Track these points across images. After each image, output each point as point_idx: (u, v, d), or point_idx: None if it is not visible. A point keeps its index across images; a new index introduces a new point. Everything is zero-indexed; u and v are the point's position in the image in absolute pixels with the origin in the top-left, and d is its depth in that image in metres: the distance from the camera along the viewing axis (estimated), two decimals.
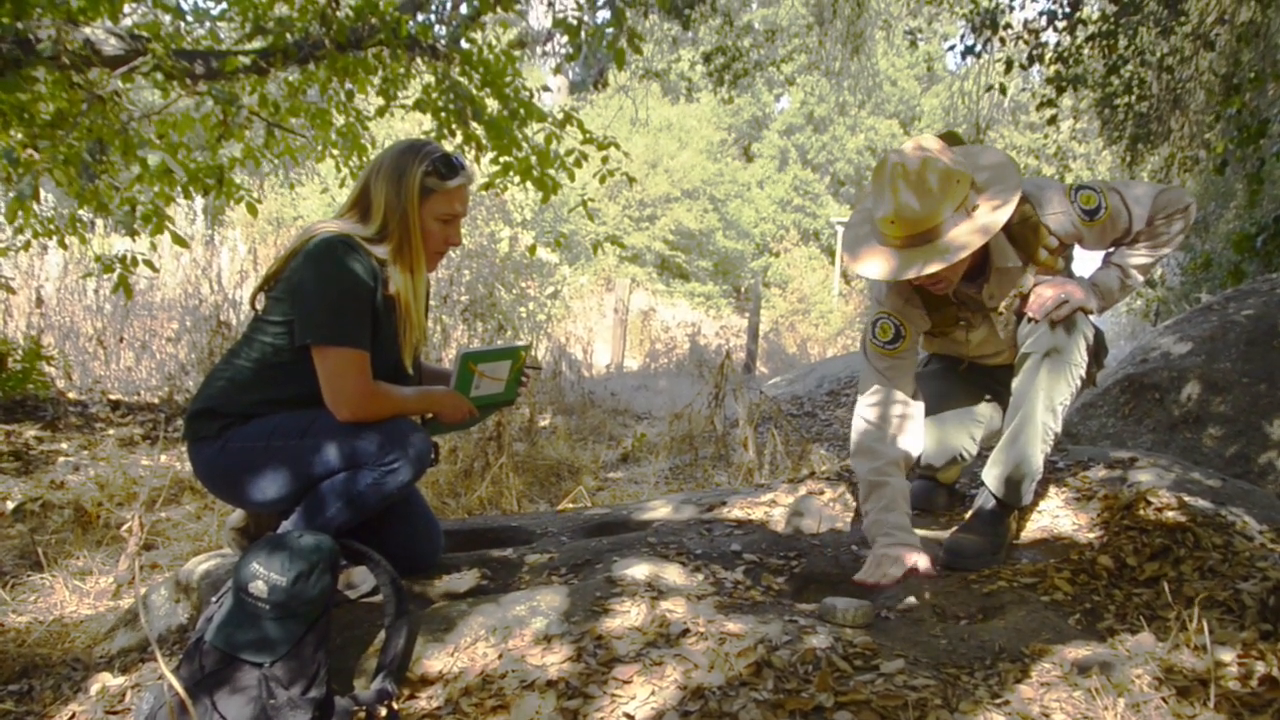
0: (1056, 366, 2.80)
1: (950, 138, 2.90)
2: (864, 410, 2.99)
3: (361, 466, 2.51)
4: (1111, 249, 3.01)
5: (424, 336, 2.83)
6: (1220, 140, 8.48)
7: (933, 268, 2.65)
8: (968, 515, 3.05)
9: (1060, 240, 2.88)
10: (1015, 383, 2.89)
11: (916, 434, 2.97)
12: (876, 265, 2.74)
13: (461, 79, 7.04)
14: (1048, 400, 2.82)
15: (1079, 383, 2.87)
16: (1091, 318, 3.07)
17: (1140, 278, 2.95)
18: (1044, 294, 2.81)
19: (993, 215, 2.67)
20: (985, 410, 3.19)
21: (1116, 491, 3.20)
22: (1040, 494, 3.32)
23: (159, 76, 5.71)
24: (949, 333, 3.16)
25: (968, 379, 3.25)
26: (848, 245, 2.89)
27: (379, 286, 2.60)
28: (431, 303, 2.87)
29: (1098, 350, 3.11)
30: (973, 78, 12.97)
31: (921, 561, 2.56)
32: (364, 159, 7.56)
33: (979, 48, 9.81)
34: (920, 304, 3.05)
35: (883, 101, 37.81)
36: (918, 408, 3.00)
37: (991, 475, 2.95)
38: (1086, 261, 3.15)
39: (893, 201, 2.65)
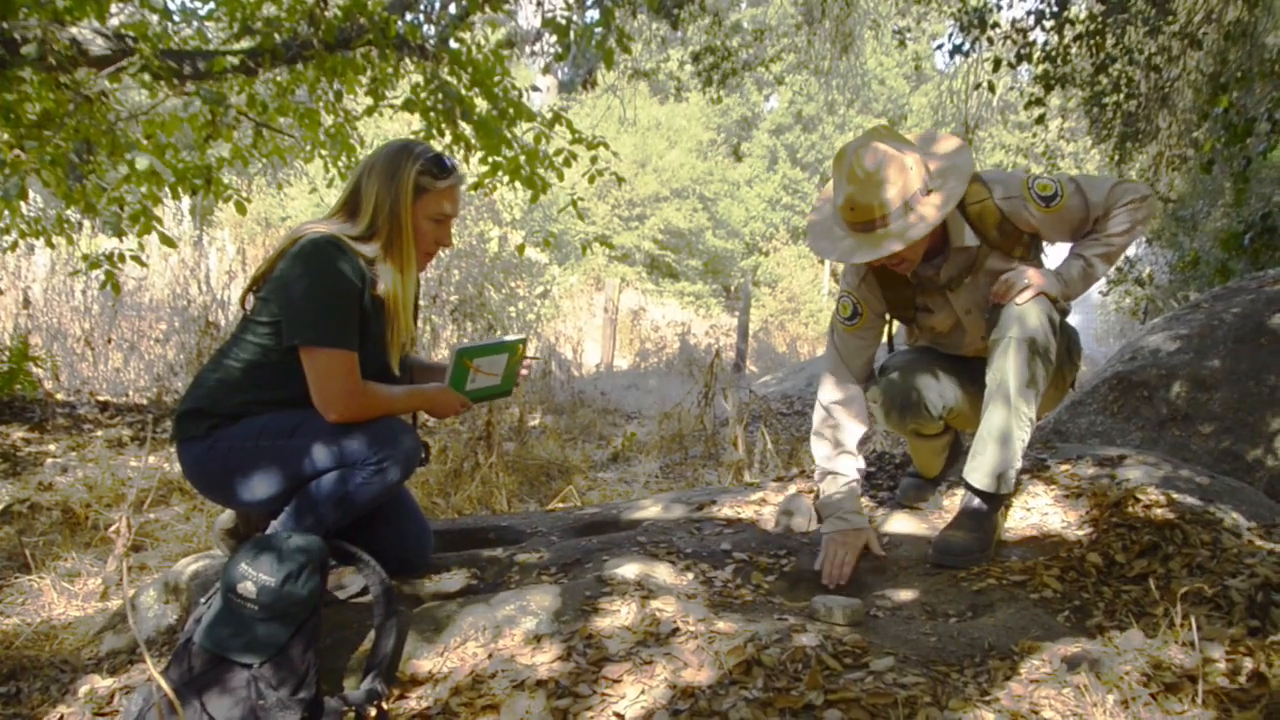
0: (1024, 350, 2.82)
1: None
2: (823, 394, 3.22)
3: (351, 466, 2.51)
4: (1075, 242, 3.04)
5: (411, 337, 2.83)
6: (1208, 139, 8.50)
7: (884, 251, 2.80)
8: (955, 514, 3.06)
9: (1014, 224, 2.96)
10: (988, 372, 2.91)
11: (867, 414, 3.20)
12: (833, 248, 2.93)
13: (450, 79, 7.02)
14: (1019, 385, 2.84)
15: (1051, 364, 2.88)
16: (1072, 319, 3.11)
17: (1103, 266, 2.96)
18: (1006, 279, 2.91)
19: (939, 202, 2.80)
20: (954, 385, 3.19)
21: (1105, 489, 3.20)
22: (1029, 492, 3.32)
23: (146, 77, 5.69)
24: (908, 316, 3.23)
25: (949, 360, 3.25)
26: (810, 230, 3.05)
27: (367, 286, 2.60)
28: (421, 303, 2.88)
29: (1070, 349, 3.13)
30: (961, 76, 13.01)
31: (871, 543, 3.00)
32: (352, 159, 7.54)
33: (967, 47, 9.82)
34: (876, 285, 3.17)
35: (871, 100, 37.83)
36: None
37: (972, 468, 2.96)
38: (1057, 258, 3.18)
39: (848, 189, 2.80)
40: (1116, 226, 2.91)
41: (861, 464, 3.17)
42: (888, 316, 3.29)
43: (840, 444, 3.15)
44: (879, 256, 2.81)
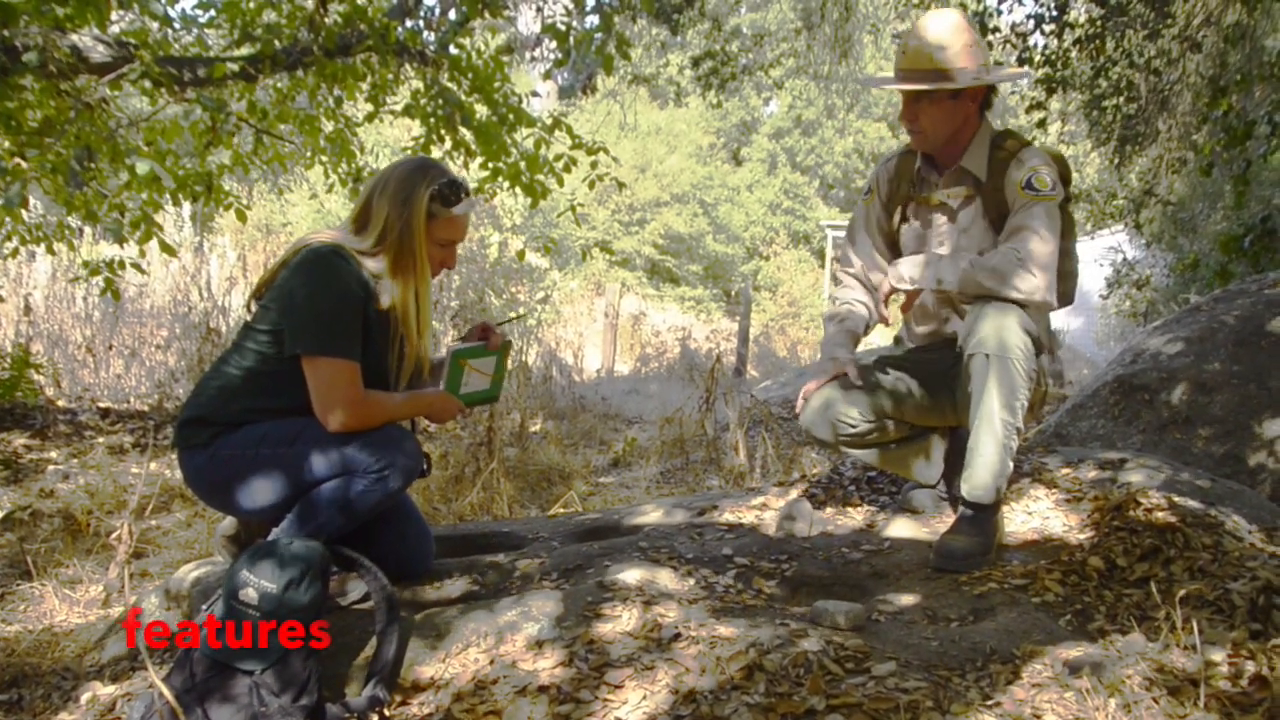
0: (1002, 364, 2.82)
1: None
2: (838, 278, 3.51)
3: (352, 473, 2.51)
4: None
5: (425, 359, 2.82)
6: (1207, 142, 8.52)
7: (906, 84, 3.01)
8: (955, 518, 3.06)
9: (1006, 190, 3.06)
10: (970, 386, 2.91)
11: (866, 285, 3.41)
12: (877, 79, 3.16)
13: (450, 85, 7.04)
14: (1001, 398, 2.83)
15: (1030, 374, 2.87)
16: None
17: (954, 281, 2.97)
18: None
19: (974, 82, 2.98)
20: (883, 400, 3.21)
21: (1107, 492, 3.20)
22: (1030, 495, 3.33)
23: (147, 84, 5.70)
24: (899, 223, 3.32)
25: (930, 376, 3.25)
26: (866, 77, 3.27)
27: (370, 298, 2.60)
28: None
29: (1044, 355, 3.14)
30: None
31: (839, 368, 3.18)
32: (353, 165, 7.55)
33: None
34: (893, 172, 3.31)
35: (870, 105, 37.87)
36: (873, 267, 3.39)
37: (963, 481, 2.96)
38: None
39: (914, 34, 3.03)
40: (990, 265, 2.91)
41: (859, 309, 3.37)
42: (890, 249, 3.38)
43: (838, 299, 3.43)
44: (899, 85, 3.01)
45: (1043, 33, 9.57)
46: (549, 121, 7.14)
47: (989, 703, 2.09)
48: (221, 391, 2.61)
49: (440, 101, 6.92)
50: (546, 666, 2.34)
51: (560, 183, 7.23)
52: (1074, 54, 9.62)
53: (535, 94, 7.87)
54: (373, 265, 2.63)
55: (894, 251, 3.35)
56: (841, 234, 20.51)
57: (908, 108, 3.08)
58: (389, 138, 18.49)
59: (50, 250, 6.68)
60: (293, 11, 6.50)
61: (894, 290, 3.13)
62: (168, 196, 5.95)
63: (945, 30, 2.97)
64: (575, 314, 18.30)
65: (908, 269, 3.05)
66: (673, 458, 6.59)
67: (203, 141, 6.33)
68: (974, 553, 2.89)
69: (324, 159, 7.50)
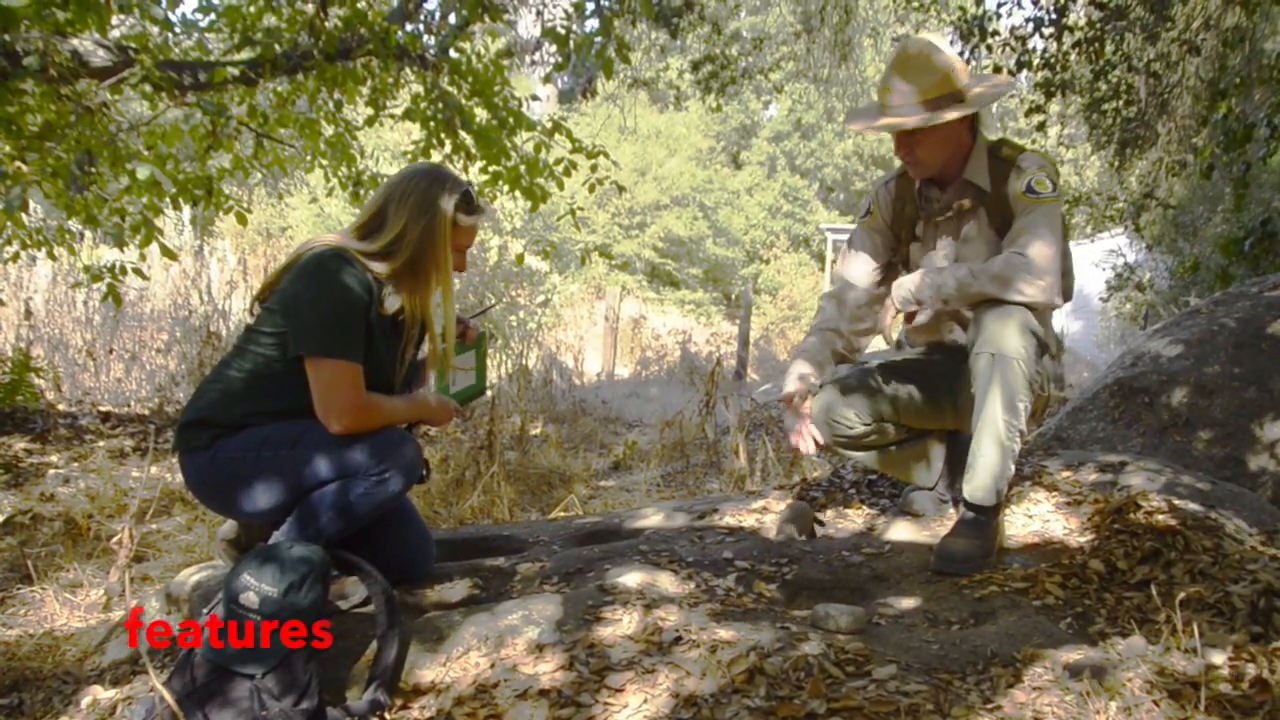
0: (1005, 365, 2.81)
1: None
2: (826, 293, 3.44)
3: (352, 476, 2.51)
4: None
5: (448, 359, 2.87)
6: (1207, 144, 8.53)
7: (900, 124, 2.96)
8: (956, 521, 3.06)
9: (1009, 197, 3.04)
10: (973, 388, 2.91)
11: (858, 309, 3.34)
12: (861, 121, 3.09)
13: (450, 88, 7.04)
14: (1003, 399, 2.83)
15: (1034, 376, 2.87)
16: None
17: (955, 290, 2.95)
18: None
19: (953, 111, 2.93)
20: (883, 400, 3.24)
21: (1107, 495, 3.20)
22: (1031, 499, 3.33)
23: (147, 88, 5.71)
24: (905, 238, 3.31)
25: (930, 379, 3.24)
26: (849, 114, 3.24)
27: (374, 301, 2.60)
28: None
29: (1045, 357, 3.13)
30: None
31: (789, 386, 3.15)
32: (353, 169, 7.55)
33: (967, 54, 9.83)
34: (894, 194, 3.30)
35: None
36: (865, 289, 3.33)
37: (964, 483, 2.96)
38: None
39: (890, 73, 2.99)
40: (994, 271, 2.89)
41: (827, 337, 3.31)
42: (895, 258, 3.36)
43: (816, 329, 3.35)
44: (895, 127, 2.97)
45: (1042, 36, 9.56)
46: (549, 125, 7.15)
47: (990, 706, 2.09)
48: (223, 394, 2.61)
49: (440, 105, 6.93)
50: (547, 670, 2.34)
51: (560, 186, 7.24)
52: (1073, 57, 9.62)
53: (535, 98, 7.89)
54: (378, 268, 2.64)
55: (898, 272, 3.33)
56: (842, 237, 20.48)
57: (902, 141, 3.04)
58: (389, 141, 18.50)
59: (51, 255, 6.68)
60: (293, 16, 6.51)
61: (899, 311, 3.11)
62: (168, 200, 5.95)
63: (918, 65, 2.95)
64: (575, 317, 18.30)
65: (910, 288, 3.02)
66: (673, 461, 6.59)
67: (203, 145, 6.33)
68: (974, 556, 2.89)
69: (324, 163, 7.51)
